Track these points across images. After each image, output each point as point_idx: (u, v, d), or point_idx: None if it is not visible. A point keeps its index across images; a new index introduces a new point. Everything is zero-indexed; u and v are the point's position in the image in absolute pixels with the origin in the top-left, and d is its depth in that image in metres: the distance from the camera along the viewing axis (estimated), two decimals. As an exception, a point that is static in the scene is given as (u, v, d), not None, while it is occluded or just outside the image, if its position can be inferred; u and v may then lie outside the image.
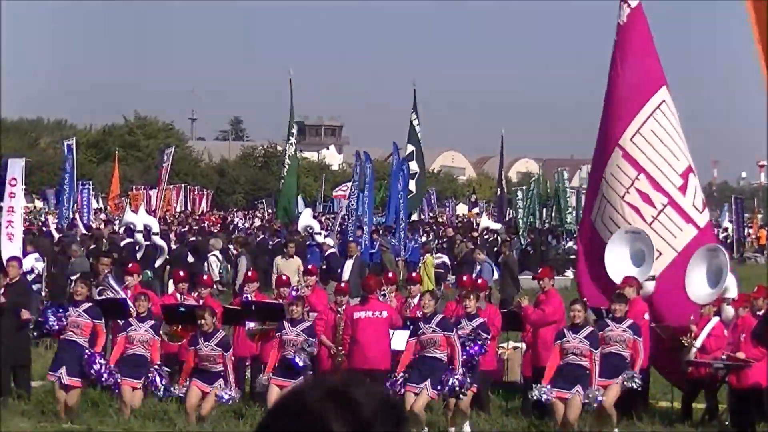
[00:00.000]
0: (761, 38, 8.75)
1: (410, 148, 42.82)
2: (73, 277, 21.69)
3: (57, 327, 16.42)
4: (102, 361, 16.08)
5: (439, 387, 15.49)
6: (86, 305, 16.52)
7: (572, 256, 34.47)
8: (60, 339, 16.48)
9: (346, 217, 36.77)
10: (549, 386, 15.36)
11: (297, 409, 2.56)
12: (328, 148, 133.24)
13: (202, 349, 15.87)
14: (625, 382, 15.76)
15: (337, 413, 2.53)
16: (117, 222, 38.48)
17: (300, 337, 16.18)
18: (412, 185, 41.98)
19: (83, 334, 16.38)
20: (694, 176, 18.75)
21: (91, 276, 19.68)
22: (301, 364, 15.99)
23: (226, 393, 15.82)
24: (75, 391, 16.23)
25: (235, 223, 57.52)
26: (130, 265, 19.76)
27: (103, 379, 16.15)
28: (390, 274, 20.75)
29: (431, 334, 15.63)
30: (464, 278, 18.90)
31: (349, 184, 42.52)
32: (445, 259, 35.67)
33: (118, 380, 16.11)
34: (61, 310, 16.58)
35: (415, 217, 48.90)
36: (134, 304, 16.92)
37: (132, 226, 31.23)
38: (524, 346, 18.50)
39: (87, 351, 16.14)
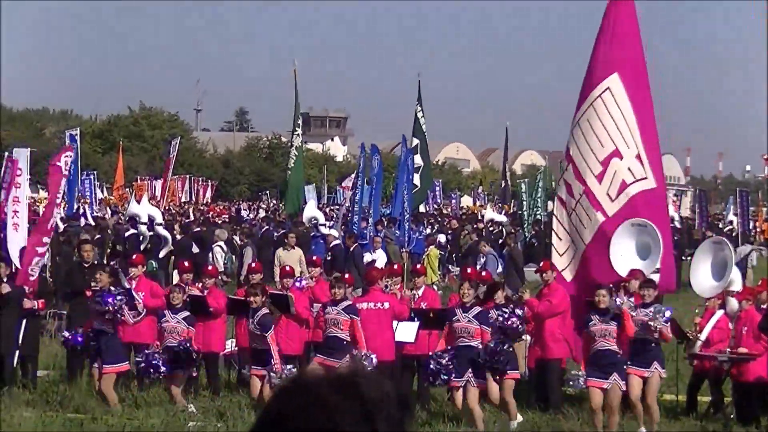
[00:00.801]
0: None
1: (415, 141, 42.67)
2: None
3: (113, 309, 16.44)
4: (154, 354, 16.28)
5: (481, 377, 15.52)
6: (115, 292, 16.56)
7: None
8: (88, 330, 16.42)
9: (350, 209, 36.77)
10: (583, 374, 15.37)
11: (303, 401, 2.54)
12: (332, 140, 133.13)
13: (249, 326, 16.23)
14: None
15: (343, 404, 2.51)
16: (122, 213, 38.51)
17: (341, 315, 16.45)
18: (416, 179, 41.90)
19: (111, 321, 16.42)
20: (619, 161, 18.55)
21: (106, 264, 19.68)
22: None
23: (275, 376, 16.11)
24: (108, 376, 16.29)
25: (238, 214, 57.53)
26: (134, 256, 19.75)
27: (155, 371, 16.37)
28: (395, 266, 20.73)
29: (466, 323, 15.62)
30: (468, 270, 18.88)
31: (353, 176, 42.50)
32: (441, 237, 35.86)
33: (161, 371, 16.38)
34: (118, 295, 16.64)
35: (421, 209, 48.84)
36: (170, 296, 16.98)
37: (136, 217, 31.22)
38: (529, 338, 18.48)
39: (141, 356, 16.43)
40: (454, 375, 15.57)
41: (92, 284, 16.83)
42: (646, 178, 18.50)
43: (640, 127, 18.60)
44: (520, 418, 16.36)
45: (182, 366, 16.39)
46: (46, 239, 19.07)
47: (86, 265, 19.32)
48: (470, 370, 15.43)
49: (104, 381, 16.24)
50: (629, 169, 18.48)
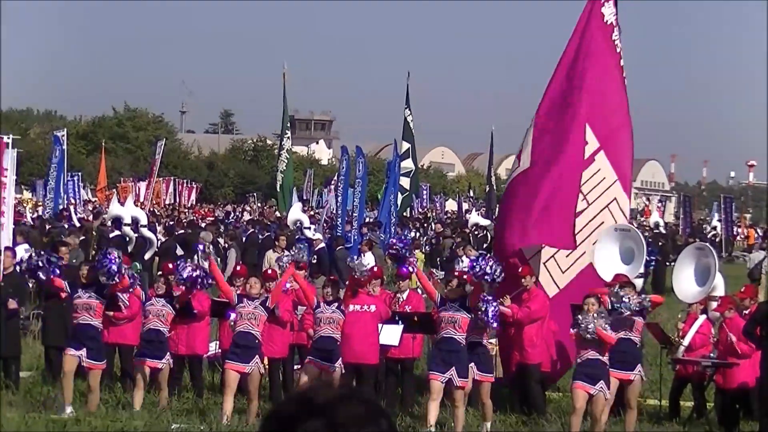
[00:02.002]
0: None
1: (406, 145, 42.62)
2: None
3: (116, 272, 16.37)
4: (115, 261, 16.22)
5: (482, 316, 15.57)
6: (94, 287, 16.50)
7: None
8: (75, 324, 16.38)
9: (335, 212, 36.81)
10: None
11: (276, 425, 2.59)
12: (317, 143, 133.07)
13: (246, 307, 16.17)
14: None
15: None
16: (104, 214, 38.39)
17: (336, 314, 16.54)
18: (406, 182, 41.92)
19: (96, 315, 16.35)
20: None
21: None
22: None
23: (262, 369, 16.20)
24: (95, 372, 16.31)
25: (230, 217, 57.41)
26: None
27: (116, 276, 16.27)
28: (375, 269, 20.69)
29: (453, 313, 15.65)
30: (456, 273, 18.88)
31: (335, 178, 42.60)
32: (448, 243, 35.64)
33: (124, 273, 16.40)
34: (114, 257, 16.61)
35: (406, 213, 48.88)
36: (154, 286, 16.96)
37: (120, 219, 31.14)
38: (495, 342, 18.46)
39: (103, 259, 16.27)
40: (435, 368, 15.59)
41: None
42: (517, 167, 18.93)
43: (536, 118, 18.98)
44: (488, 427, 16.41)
45: (159, 355, 16.41)
46: None
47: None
48: (455, 368, 15.45)
49: (92, 377, 16.26)
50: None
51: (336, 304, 16.66)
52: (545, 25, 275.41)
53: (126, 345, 18.12)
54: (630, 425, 16.01)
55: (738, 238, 64.95)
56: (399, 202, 41.44)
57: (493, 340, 18.40)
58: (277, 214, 45.47)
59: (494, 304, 15.74)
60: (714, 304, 17.64)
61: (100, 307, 16.42)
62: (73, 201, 44.56)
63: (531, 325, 17.41)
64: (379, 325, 17.22)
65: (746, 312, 17.08)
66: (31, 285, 23.49)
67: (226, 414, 15.90)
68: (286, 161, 41.93)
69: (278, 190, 42.64)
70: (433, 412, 15.65)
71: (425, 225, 48.96)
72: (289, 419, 2.58)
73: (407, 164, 41.80)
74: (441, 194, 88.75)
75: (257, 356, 16.12)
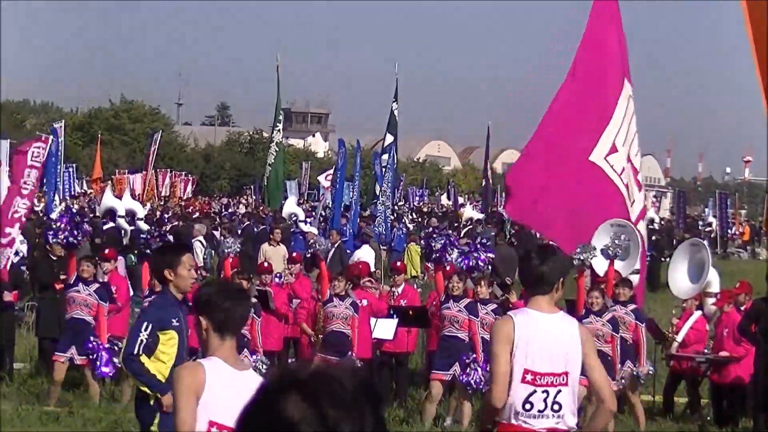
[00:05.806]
0: (756, 38, 8.68)
1: (390, 138, 42.11)
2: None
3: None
4: (105, 355, 15.98)
5: (463, 378, 15.43)
6: (95, 285, 16.36)
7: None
8: (68, 318, 16.26)
9: (330, 204, 36.81)
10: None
11: (263, 407, 2.54)
12: (314, 136, 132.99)
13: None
14: (637, 376, 15.95)
15: (299, 411, 2.51)
16: (97, 206, 38.34)
17: (348, 311, 16.45)
18: (388, 177, 41.73)
19: (91, 313, 16.19)
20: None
21: (93, 255, 19.42)
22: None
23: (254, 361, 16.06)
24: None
25: (227, 210, 57.38)
26: (106, 250, 19.44)
27: (105, 373, 16.08)
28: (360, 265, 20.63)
29: (456, 312, 15.64)
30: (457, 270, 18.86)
31: (330, 172, 42.38)
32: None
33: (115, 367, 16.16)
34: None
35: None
36: (148, 284, 16.83)
37: (114, 211, 31.06)
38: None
39: (92, 341, 16.02)
40: (439, 367, 15.58)
41: (61, 276, 16.72)
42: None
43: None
44: None
45: None
46: (8, 230, 18.77)
47: (54, 259, 19.16)
48: (458, 364, 15.43)
49: (89, 372, 16.19)
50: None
51: (350, 300, 16.59)
52: (543, 17, 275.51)
53: (115, 337, 18.06)
54: (639, 417, 15.97)
55: (734, 234, 64.90)
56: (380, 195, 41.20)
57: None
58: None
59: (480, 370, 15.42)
60: (709, 300, 17.64)
61: (96, 307, 16.20)
62: (69, 194, 44.47)
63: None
64: (374, 320, 17.21)
65: (743, 308, 17.08)
66: (25, 276, 23.47)
67: None
68: (275, 154, 41.84)
69: (265, 183, 42.49)
70: (429, 413, 15.67)
71: (421, 219, 48.93)
72: (274, 392, 2.53)
73: (385, 158, 41.38)
74: (437, 188, 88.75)
75: (245, 350, 16.02)
